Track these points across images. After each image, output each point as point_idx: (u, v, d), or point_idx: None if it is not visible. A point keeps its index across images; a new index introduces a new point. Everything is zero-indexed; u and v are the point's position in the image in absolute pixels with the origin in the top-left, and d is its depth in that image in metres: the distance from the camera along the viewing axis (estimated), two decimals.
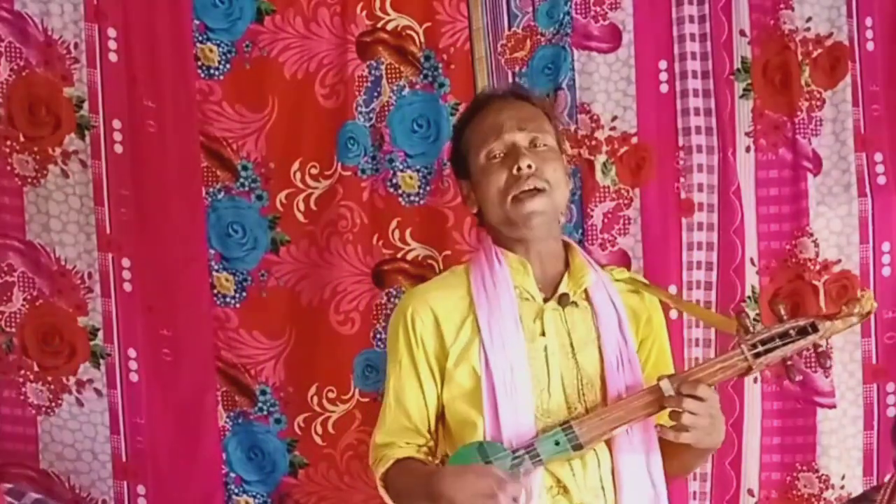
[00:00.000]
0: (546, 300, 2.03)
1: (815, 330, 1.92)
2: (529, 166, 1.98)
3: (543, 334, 2.01)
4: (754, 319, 1.97)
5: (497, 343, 1.98)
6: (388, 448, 2.06)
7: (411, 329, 2.05)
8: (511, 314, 2.00)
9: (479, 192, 2.05)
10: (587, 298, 2.05)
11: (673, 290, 2.95)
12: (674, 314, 2.95)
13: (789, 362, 1.93)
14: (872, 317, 2.86)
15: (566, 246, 2.11)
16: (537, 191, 1.98)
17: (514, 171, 1.98)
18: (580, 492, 1.96)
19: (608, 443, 1.98)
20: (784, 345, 1.91)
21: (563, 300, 2.02)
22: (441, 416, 2.08)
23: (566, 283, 2.04)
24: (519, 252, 2.05)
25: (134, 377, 2.89)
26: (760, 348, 1.91)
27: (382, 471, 2.04)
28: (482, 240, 2.15)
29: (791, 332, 1.92)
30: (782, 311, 1.93)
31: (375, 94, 2.94)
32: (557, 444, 1.92)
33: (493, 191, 2.01)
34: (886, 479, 2.27)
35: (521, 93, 2.15)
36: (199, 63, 2.92)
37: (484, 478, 1.85)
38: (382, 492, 2.05)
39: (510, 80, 2.96)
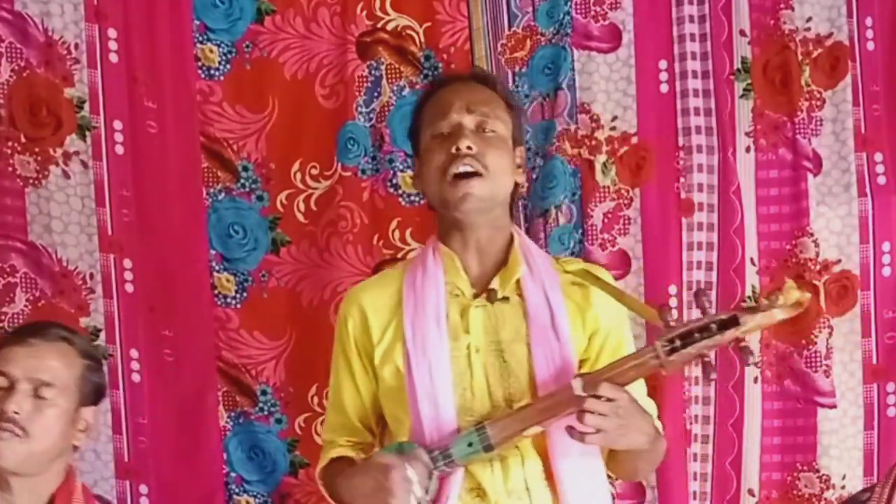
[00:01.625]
0: (477, 295, 1.99)
1: (738, 324, 1.77)
2: (469, 147, 1.94)
3: (468, 332, 1.97)
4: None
5: (418, 343, 1.96)
6: (329, 447, 2.09)
7: (344, 329, 2.06)
8: (434, 313, 1.97)
9: (422, 171, 2.02)
10: (520, 293, 1.99)
11: (673, 290, 2.95)
12: (674, 314, 2.94)
13: (706, 359, 1.82)
14: (873, 317, 2.94)
15: (512, 238, 2.05)
16: (474, 175, 1.94)
17: (453, 151, 1.94)
18: (498, 495, 1.93)
19: (543, 446, 1.94)
20: (702, 339, 1.78)
21: (491, 296, 1.98)
22: (382, 412, 2.08)
23: (498, 278, 1.99)
24: (457, 241, 2.01)
25: (136, 377, 2.90)
26: (678, 343, 1.79)
27: (319, 470, 2.08)
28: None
29: (712, 326, 1.78)
30: (706, 305, 1.83)
31: (375, 94, 2.94)
32: (470, 445, 1.88)
33: (431, 169, 1.98)
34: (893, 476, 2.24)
35: (482, 76, 2.11)
36: (200, 63, 2.92)
37: (369, 474, 1.87)
38: (323, 491, 2.07)
39: (511, 79, 2.96)
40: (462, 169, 1.94)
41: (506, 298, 1.98)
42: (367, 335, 2.03)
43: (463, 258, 2.01)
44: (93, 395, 2.15)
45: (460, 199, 1.95)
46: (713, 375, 1.83)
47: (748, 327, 1.79)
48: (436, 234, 2.07)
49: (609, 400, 1.80)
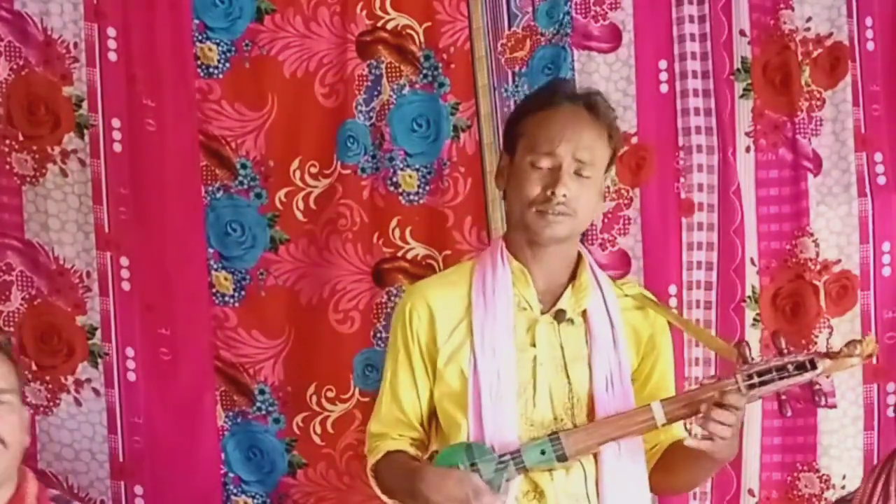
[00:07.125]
0: (543, 312, 2.02)
1: (814, 367, 1.91)
2: (564, 195, 1.96)
3: (534, 345, 2.01)
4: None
5: (487, 348, 1.99)
6: (380, 439, 2.09)
7: (408, 324, 2.06)
8: (504, 322, 2.00)
9: (511, 185, 2.03)
10: (584, 315, 2.04)
11: (673, 290, 2.95)
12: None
13: (783, 396, 1.94)
14: (872, 317, 2.95)
15: (579, 257, 2.08)
16: (563, 215, 1.98)
17: (548, 193, 1.97)
18: (557, 498, 1.97)
19: (595, 453, 1.99)
20: (780, 379, 1.91)
21: (560, 316, 2.01)
22: (434, 412, 2.09)
23: (567, 299, 2.03)
24: (527, 255, 2.03)
25: (132, 376, 2.88)
26: (756, 380, 1.91)
27: (373, 462, 2.07)
28: (493, 239, 2.16)
29: (789, 366, 1.91)
30: (783, 344, 1.93)
31: (376, 92, 2.94)
32: (543, 453, 1.94)
33: (522, 195, 1.99)
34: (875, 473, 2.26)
35: (592, 103, 2.06)
36: (199, 62, 2.91)
37: (462, 484, 1.90)
38: (373, 482, 2.08)
39: (511, 79, 2.96)
40: (552, 211, 1.97)
41: (571, 320, 2.02)
42: (433, 334, 2.04)
43: (531, 272, 2.03)
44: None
45: (543, 230, 1.98)
46: (789, 413, 1.96)
47: (823, 371, 1.92)
48: (502, 239, 2.09)
49: (735, 409, 1.89)
